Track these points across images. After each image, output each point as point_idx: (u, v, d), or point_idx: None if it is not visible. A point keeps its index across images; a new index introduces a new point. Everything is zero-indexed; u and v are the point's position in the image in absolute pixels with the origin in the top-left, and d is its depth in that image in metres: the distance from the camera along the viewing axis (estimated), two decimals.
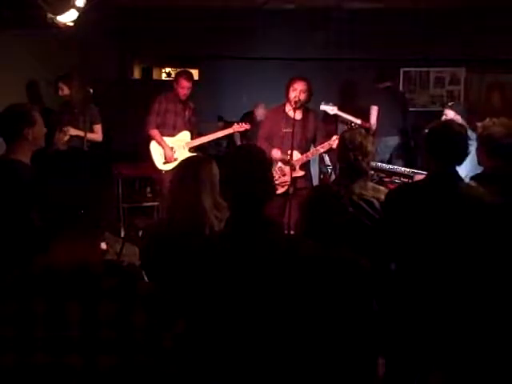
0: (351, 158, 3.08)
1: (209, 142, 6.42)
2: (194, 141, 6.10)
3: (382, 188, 3.19)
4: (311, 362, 2.16)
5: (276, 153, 5.11)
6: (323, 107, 6.27)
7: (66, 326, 1.28)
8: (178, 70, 7.07)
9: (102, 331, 1.28)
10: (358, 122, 6.27)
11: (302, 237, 2.48)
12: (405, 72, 8.15)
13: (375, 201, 3.04)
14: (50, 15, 4.94)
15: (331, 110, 6.36)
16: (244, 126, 6.09)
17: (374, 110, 6.67)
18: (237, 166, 2.15)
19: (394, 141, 6.71)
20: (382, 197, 3.07)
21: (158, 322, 1.32)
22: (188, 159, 2.97)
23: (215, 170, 2.71)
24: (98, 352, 1.28)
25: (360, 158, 3.08)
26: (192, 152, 5.96)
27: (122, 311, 1.29)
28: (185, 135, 6.09)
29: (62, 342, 1.27)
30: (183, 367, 1.35)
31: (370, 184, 3.16)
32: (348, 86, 7.67)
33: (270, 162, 2.28)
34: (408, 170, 5.18)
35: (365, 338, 2.21)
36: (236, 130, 6.12)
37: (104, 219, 1.45)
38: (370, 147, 3.14)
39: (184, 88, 5.95)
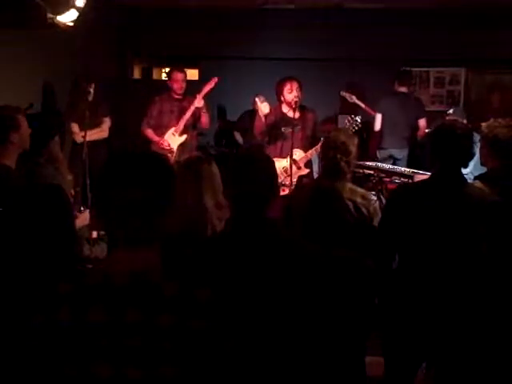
0: (330, 156, 3.04)
1: (208, 142, 6.31)
2: (179, 124, 5.72)
3: (360, 190, 3.13)
4: (310, 359, 2.16)
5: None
6: (343, 94, 6.30)
7: (127, 336, 1.24)
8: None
9: (163, 341, 1.24)
10: (365, 107, 6.34)
11: (302, 237, 2.48)
12: None
13: (350, 203, 3.00)
14: (49, 15, 4.95)
15: (350, 97, 6.42)
16: (210, 83, 5.68)
17: (378, 118, 6.57)
18: (240, 166, 2.15)
19: (397, 154, 6.55)
20: (358, 199, 3.03)
21: (218, 330, 1.28)
22: (189, 159, 2.98)
23: (216, 170, 2.71)
24: (159, 363, 1.24)
25: (339, 156, 3.02)
26: (182, 135, 5.74)
27: (182, 320, 1.26)
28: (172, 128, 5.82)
29: (123, 352, 1.24)
30: (244, 375, 1.33)
31: (349, 185, 3.09)
32: (348, 86, 7.66)
33: (274, 163, 2.26)
34: (408, 170, 5.20)
35: (362, 335, 2.21)
36: (202, 94, 5.65)
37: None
38: (351, 147, 3.06)
39: (179, 81, 5.76)
